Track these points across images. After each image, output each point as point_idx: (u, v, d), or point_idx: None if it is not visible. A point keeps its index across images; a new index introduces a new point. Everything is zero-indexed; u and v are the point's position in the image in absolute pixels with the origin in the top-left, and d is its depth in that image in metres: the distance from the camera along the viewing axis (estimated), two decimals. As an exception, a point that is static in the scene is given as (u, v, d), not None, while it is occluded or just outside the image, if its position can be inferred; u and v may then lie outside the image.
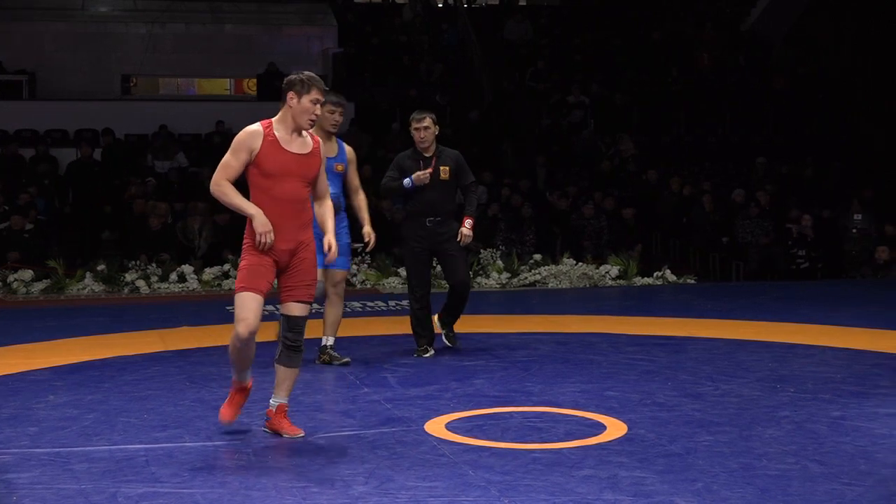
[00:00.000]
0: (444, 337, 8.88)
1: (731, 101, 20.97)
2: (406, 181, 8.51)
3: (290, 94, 5.90)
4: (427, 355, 8.58)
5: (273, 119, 5.97)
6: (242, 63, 22.47)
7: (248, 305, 5.81)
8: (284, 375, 6.04)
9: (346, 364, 8.20)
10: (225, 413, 6.11)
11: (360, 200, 8.38)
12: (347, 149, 8.32)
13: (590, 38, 23.13)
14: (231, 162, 5.87)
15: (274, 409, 6.07)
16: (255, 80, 22.28)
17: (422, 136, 8.55)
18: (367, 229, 8.25)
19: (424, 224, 8.59)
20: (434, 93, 21.01)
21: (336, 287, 8.27)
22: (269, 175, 5.85)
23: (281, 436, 6.03)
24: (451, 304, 8.83)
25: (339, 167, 8.18)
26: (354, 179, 8.33)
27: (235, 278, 6.04)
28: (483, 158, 17.68)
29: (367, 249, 8.36)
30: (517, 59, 22.34)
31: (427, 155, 8.64)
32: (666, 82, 21.54)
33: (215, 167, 5.93)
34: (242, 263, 5.87)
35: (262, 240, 5.78)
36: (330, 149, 8.03)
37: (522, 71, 21.82)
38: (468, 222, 8.60)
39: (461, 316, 8.94)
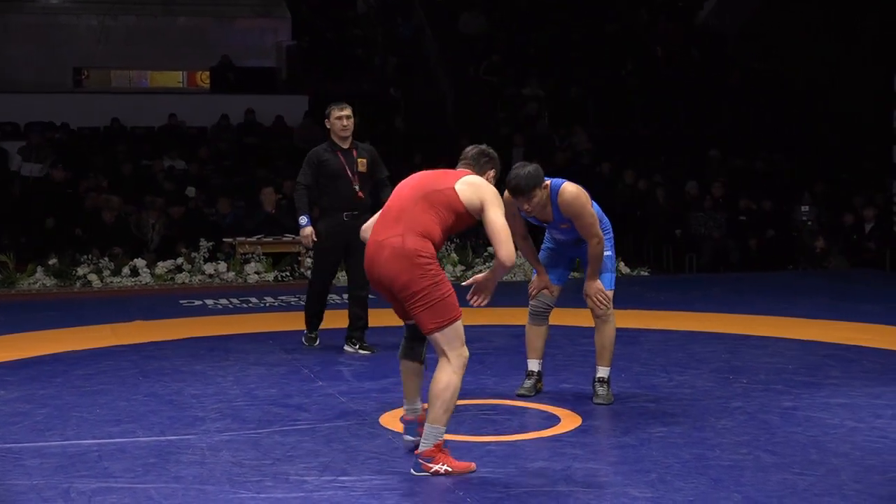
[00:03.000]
0: (358, 349, 8.53)
1: (686, 95, 21.07)
2: (303, 219, 8.35)
3: None
4: (315, 344, 8.69)
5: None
6: (195, 56, 22.30)
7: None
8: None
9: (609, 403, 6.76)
10: (468, 464, 5.30)
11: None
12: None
13: (545, 32, 23.18)
14: None
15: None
16: (208, 73, 22.13)
17: (344, 124, 8.24)
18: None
19: (342, 219, 8.31)
20: (388, 86, 20.95)
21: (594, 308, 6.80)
22: None
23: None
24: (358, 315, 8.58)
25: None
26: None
27: (429, 306, 5.45)
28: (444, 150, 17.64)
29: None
30: (473, 52, 22.34)
31: (345, 147, 8.35)
32: (620, 76, 21.61)
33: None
34: (447, 291, 5.42)
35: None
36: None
37: (478, 64, 21.82)
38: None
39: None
